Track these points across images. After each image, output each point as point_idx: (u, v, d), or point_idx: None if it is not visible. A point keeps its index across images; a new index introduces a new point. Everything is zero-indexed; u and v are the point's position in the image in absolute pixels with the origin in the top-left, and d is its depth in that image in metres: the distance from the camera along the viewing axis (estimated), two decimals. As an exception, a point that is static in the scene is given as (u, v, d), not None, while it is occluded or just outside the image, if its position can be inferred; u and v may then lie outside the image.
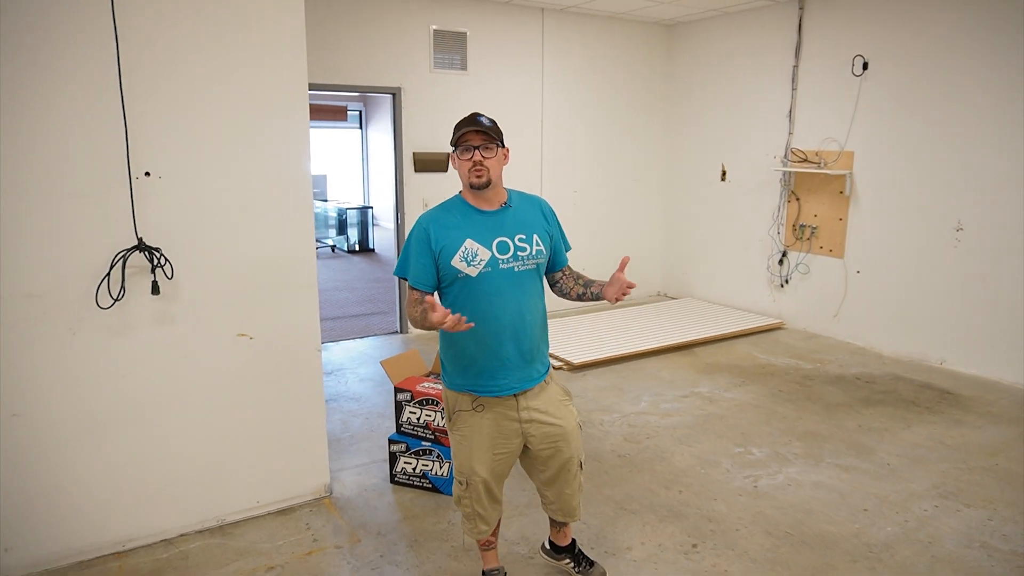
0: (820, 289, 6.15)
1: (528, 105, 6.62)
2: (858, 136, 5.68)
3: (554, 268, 2.46)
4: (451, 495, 3.32)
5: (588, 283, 2.41)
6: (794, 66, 6.10)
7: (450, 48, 6.12)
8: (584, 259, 6.95)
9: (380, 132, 12.74)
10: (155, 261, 2.71)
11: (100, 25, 2.55)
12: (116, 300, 2.69)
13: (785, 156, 6.26)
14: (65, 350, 2.67)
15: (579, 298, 2.43)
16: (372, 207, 12.24)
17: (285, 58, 2.94)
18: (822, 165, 5.93)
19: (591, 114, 7.00)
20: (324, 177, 13.56)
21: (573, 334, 6.03)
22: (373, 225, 12.05)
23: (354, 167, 14.04)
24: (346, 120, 13.11)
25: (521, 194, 2.41)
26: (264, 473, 3.19)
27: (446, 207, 2.32)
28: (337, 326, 6.59)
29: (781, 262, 6.45)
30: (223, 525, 3.10)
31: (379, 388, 4.85)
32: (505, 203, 2.32)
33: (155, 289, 2.73)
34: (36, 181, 2.54)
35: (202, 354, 2.94)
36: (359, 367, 5.35)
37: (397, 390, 3.44)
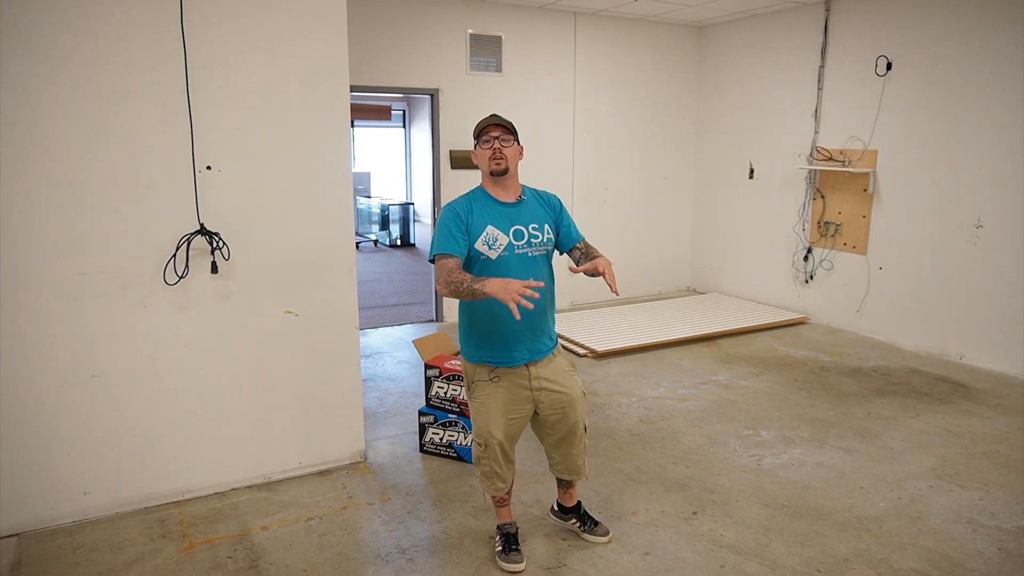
0: (843, 285, 6.28)
1: (560, 105, 6.89)
2: (881, 135, 5.80)
3: (569, 245, 2.74)
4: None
5: (587, 254, 2.69)
6: (820, 66, 6.23)
7: (486, 51, 6.43)
8: (615, 254, 7.20)
9: (422, 131, 13.14)
10: (214, 244, 3.09)
11: (170, 40, 2.93)
12: (181, 278, 3.07)
13: (811, 154, 6.40)
14: (137, 321, 3.07)
15: (576, 261, 2.70)
16: (413, 203, 12.65)
17: (328, 65, 3.29)
18: (846, 163, 6.06)
19: (622, 114, 7.23)
20: (368, 174, 14.03)
21: (599, 325, 6.29)
22: (414, 221, 12.46)
23: (397, 165, 14.49)
24: (390, 119, 13.56)
25: (534, 190, 2.74)
26: (306, 438, 3.55)
27: (469, 197, 2.62)
28: (377, 314, 6.97)
29: (806, 258, 6.59)
30: (269, 482, 3.47)
31: (414, 370, 5.19)
32: (520, 196, 2.64)
33: (214, 269, 3.10)
34: (117, 174, 2.94)
35: (253, 328, 3.31)
36: (396, 351, 5.71)
37: (427, 367, 3.76)
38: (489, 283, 2.29)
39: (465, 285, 2.35)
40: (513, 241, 2.56)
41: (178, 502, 3.28)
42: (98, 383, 3.04)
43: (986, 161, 5.13)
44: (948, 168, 5.37)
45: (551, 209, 2.73)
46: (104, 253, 2.97)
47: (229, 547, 2.94)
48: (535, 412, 2.73)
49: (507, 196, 2.62)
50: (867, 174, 5.90)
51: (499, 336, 2.59)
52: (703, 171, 7.73)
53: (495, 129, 2.56)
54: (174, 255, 3.05)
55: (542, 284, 2.32)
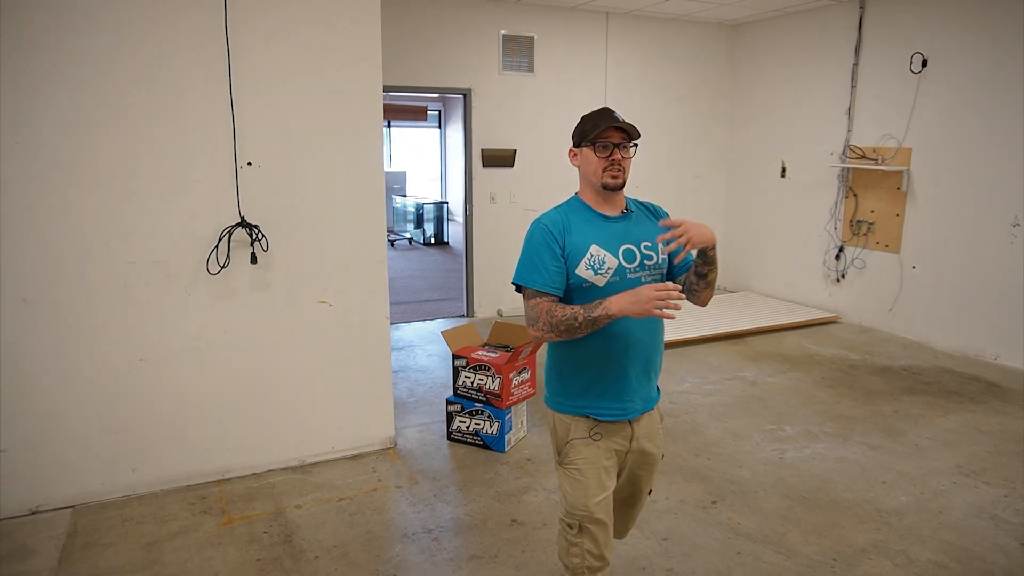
0: (876, 284, 6.23)
1: (592, 105, 6.94)
2: (916, 133, 5.75)
3: (679, 272, 2.20)
4: (500, 451, 3.76)
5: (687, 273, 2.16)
6: (854, 64, 6.20)
7: (518, 51, 6.54)
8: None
9: (457, 131, 13.31)
10: (254, 236, 3.26)
11: (216, 43, 3.11)
12: (222, 268, 3.25)
13: (843, 153, 6.36)
14: (182, 308, 3.25)
15: (692, 293, 2.12)
16: (447, 202, 12.83)
17: (362, 67, 3.44)
18: (879, 161, 6.02)
19: (653, 113, 7.27)
20: (404, 174, 14.25)
21: (628, 321, 6.34)
22: (448, 220, 12.64)
23: (433, 165, 14.70)
24: (426, 120, 13.76)
25: (637, 201, 2.21)
26: (338, 423, 3.70)
27: (564, 210, 2.10)
28: (410, 309, 7.14)
29: (838, 257, 6.55)
30: (303, 464, 3.63)
31: (444, 363, 5.33)
32: (626, 209, 2.12)
33: (253, 259, 3.27)
34: (165, 169, 3.13)
35: (289, 316, 3.48)
36: (427, 345, 5.85)
37: (455, 357, 3.89)
38: (611, 303, 1.86)
39: (581, 318, 1.88)
40: (624, 263, 2.02)
41: (218, 481, 3.45)
42: (145, 367, 3.23)
43: (1022, 159, 5.05)
44: (984, 166, 5.31)
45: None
46: (152, 243, 3.15)
47: (265, 523, 3.10)
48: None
49: (612, 209, 2.09)
50: (901, 172, 5.85)
51: (611, 381, 2.03)
52: (734, 170, 7.72)
53: (616, 134, 2.02)
54: (216, 246, 3.22)
55: (680, 289, 1.85)
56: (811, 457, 3.73)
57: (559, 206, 2.14)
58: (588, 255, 2.00)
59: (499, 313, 6.82)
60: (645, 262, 2.06)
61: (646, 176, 7.37)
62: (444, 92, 6.58)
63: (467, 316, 6.82)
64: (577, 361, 2.05)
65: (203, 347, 3.33)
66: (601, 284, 1.99)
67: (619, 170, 2.03)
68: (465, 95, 6.44)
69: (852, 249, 6.42)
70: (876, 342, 5.87)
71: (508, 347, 3.99)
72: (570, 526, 2.07)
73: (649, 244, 2.09)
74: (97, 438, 3.20)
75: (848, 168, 6.34)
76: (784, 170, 7.07)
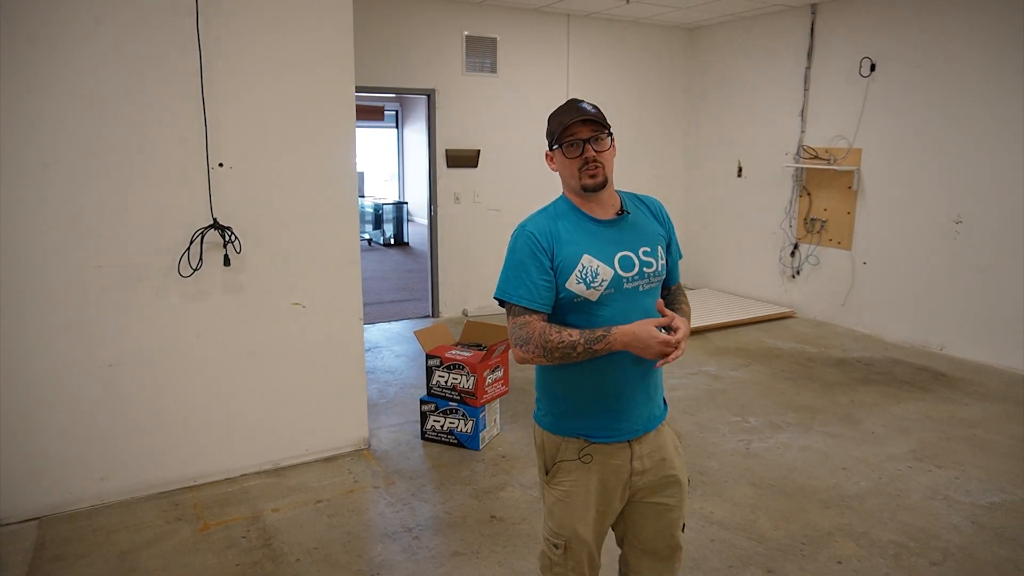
0: (829, 279, 6.47)
1: (554, 106, 6.98)
2: (865, 134, 6.00)
3: (668, 283, 1.98)
4: (475, 449, 3.80)
5: (674, 299, 1.98)
6: (806, 67, 6.42)
7: (481, 52, 6.58)
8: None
9: (415, 131, 13.28)
10: (227, 238, 3.22)
11: (187, 43, 3.07)
12: (195, 270, 3.21)
13: (797, 153, 6.58)
14: (152, 312, 3.20)
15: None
16: (407, 203, 12.77)
17: (335, 68, 3.44)
18: (832, 161, 6.25)
19: (614, 114, 7.32)
20: (361, 174, 14.15)
21: (593, 319, 6.44)
22: (408, 220, 12.59)
23: (390, 165, 14.62)
24: (383, 120, 13.68)
25: (632, 195, 1.98)
26: (312, 425, 3.68)
27: (551, 213, 1.87)
28: (374, 310, 7.11)
29: (793, 254, 6.78)
30: (277, 468, 3.60)
31: (412, 363, 5.33)
32: (621, 209, 1.88)
33: (226, 262, 3.24)
34: (132, 170, 3.07)
35: (263, 319, 3.45)
36: (394, 345, 5.84)
37: (428, 356, 3.91)
38: (617, 334, 1.68)
39: (580, 349, 1.70)
40: (620, 272, 1.79)
41: (191, 487, 3.40)
42: (114, 372, 3.17)
43: (965, 158, 5.32)
44: (929, 165, 5.57)
45: (661, 223, 1.96)
46: (121, 246, 3.09)
47: (242, 528, 3.08)
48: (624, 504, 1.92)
49: (604, 211, 1.86)
50: (851, 172, 6.09)
51: (606, 400, 1.83)
52: (693, 169, 7.90)
53: (583, 129, 1.79)
54: (188, 248, 3.18)
55: (674, 320, 1.71)
56: (775, 447, 3.87)
57: (545, 209, 1.90)
58: (580, 267, 1.77)
59: (464, 313, 6.85)
60: (644, 270, 1.83)
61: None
62: (408, 93, 6.58)
63: (432, 316, 6.83)
64: (569, 380, 1.85)
65: (174, 351, 3.27)
66: (594, 298, 1.78)
67: (596, 167, 1.80)
68: (429, 96, 6.45)
69: (806, 246, 6.65)
70: (831, 335, 6.10)
71: (481, 346, 4.03)
72: (555, 545, 1.91)
73: (648, 249, 1.85)
74: (64, 446, 3.13)
75: (802, 168, 6.56)
76: (741, 170, 7.27)
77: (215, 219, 3.20)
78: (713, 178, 7.63)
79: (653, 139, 7.71)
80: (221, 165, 3.22)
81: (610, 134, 1.85)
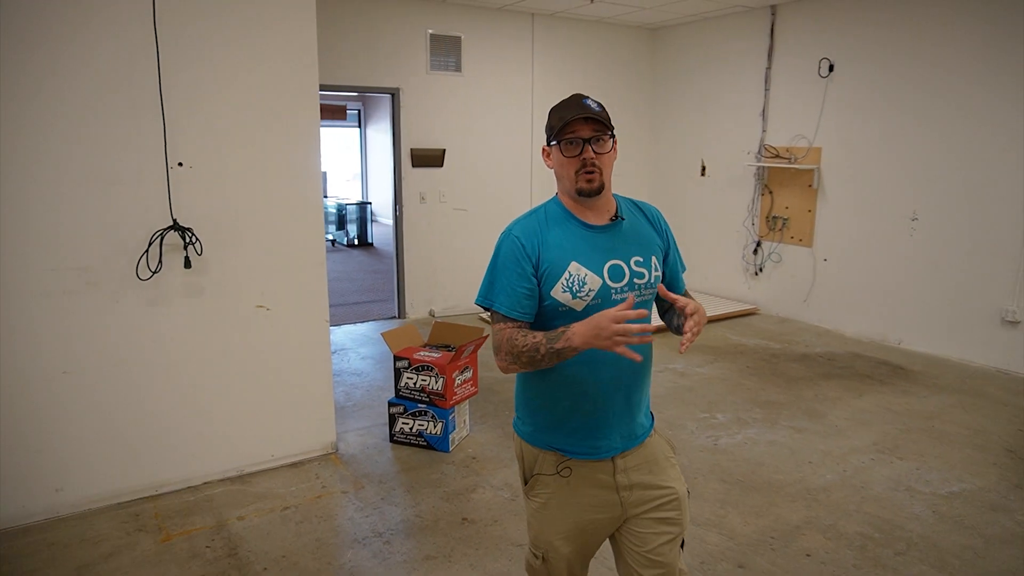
0: (791, 276, 6.58)
1: (519, 104, 7.04)
2: (825, 133, 6.12)
3: (672, 290, 1.87)
4: (445, 451, 3.76)
5: (678, 313, 1.76)
6: (767, 68, 6.53)
7: (446, 51, 6.53)
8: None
9: (378, 131, 13.15)
10: (187, 239, 3.13)
11: (144, 38, 2.97)
12: (154, 273, 3.11)
13: (759, 152, 6.69)
14: (109, 317, 3.09)
15: (677, 330, 1.79)
16: (370, 203, 12.64)
17: (299, 65, 3.36)
18: (792, 160, 6.36)
19: (578, 113, 7.39)
20: (324, 174, 13.96)
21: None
22: (372, 221, 12.46)
23: (353, 165, 14.45)
24: (346, 119, 13.52)
25: (629, 201, 1.88)
26: (278, 431, 3.60)
27: (540, 217, 1.77)
28: (339, 312, 7.01)
29: (756, 252, 6.88)
30: (242, 474, 3.52)
31: (379, 365, 5.27)
32: (616, 215, 1.78)
33: (187, 264, 3.15)
34: (88, 170, 2.96)
35: (225, 322, 3.36)
36: (360, 347, 5.77)
37: (396, 358, 3.85)
38: (574, 333, 1.56)
39: (543, 351, 1.60)
40: (609, 282, 1.71)
41: (151, 496, 3.30)
42: (69, 379, 3.05)
43: (920, 157, 5.47)
44: (886, 164, 5.70)
45: (659, 232, 1.87)
46: (76, 249, 2.98)
47: (206, 537, 2.99)
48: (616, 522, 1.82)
49: (598, 216, 1.77)
50: (812, 170, 6.21)
51: (584, 417, 1.75)
52: (657, 169, 7.97)
53: (585, 127, 1.69)
54: (147, 251, 3.08)
55: (646, 314, 1.60)
56: (743, 442, 3.92)
57: (535, 211, 1.79)
58: (567, 274, 1.68)
59: (431, 314, 6.80)
60: (635, 281, 1.73)
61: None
62: (371, 91, 6.49)
63: (399, 317, 6.76)
64: (548, 392, 1.76)
65: (133, 356, 3.17)
66: (579, 308, 1.68)
67: (593, 171, 1.69)
68: (393, 94, 6.38)
69: (769, 244, 6.76)
70: (794, 331, 6.21)
71: (450, 347, 3.99)
72: (535, 555, 1.88)
73: (641, 259, 1.76)
74: (16, 457, 3.00)
75: (764, 167, 6.67)
76: (704, 169, 7.36)
77: (175, 220, 3.11)
78: (677, 177, 7.71)
79: (618, 138, 7.73)
80: (181, 165, 3.13)
81: (613, 136, 1.75)
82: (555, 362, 1.62)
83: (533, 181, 7.23)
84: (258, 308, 3.44)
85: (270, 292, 3.46)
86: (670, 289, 1.84)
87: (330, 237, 12.22)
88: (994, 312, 5.14)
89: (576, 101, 1.72)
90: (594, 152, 1.70)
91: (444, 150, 6.61)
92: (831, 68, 5.99)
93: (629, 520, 1.80)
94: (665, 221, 1.91)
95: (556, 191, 1.83)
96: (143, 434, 3.25)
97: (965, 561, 2.83)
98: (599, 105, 1.74)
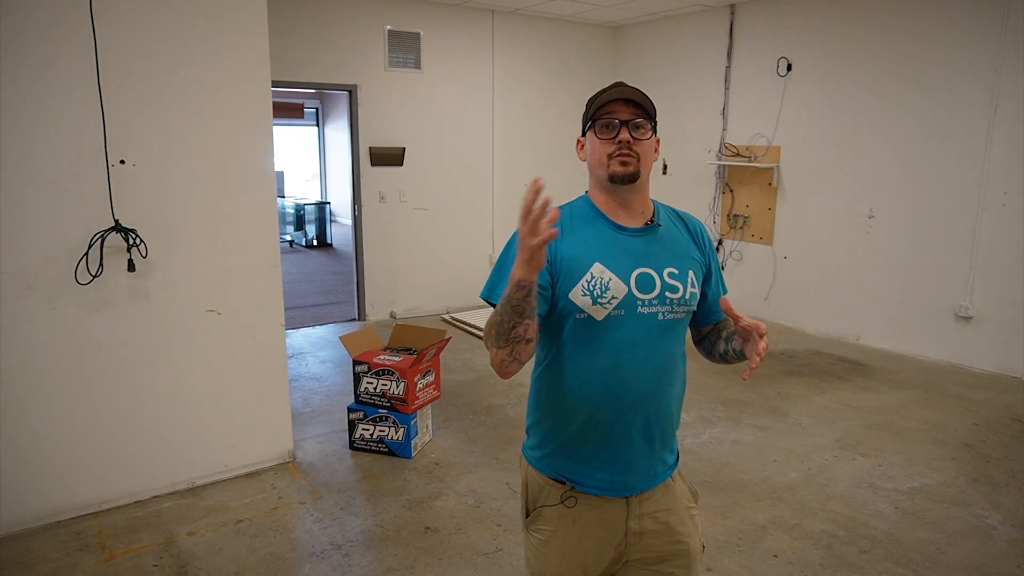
0: (752, 274, 6.63)
1: (480, 102, 6.95)
2: (784, 132, 6.17)
3: (709, 320, 1.67)
4: (407, 457, 3.66)
5: (729, 336, 1.60)
6: (727, 67, 6.56)
7: (404, 48, 6.40)
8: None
9: (337, 130, 12.91)
10: (131, 241, 2.96)
11: (79, 26, 2.79)
12: (95, 277, 2.93)
13: (720, 151, 6.72)
14: (45, 324, 2.91)
15: (722, 357, 1.64)
16: (329, 203, 12.41)
17: (250, 59, 3.22)
18: (752, 159, 6.40)
19: (540, 111, 7.35)
20: (281, 174, 13.66)
21: (523, 319, 6.38)
22: (331, 221, 12.24)
23: (311, 164, 14.18)
24: (303, 118, 13.25)
25: (670, 208, 1.68)
26: (231, 439, 3.45)
27: (566, 213, 1.59)
28: (297, 314, 6.83)
29: (717, 249, 6.92)
30: (193, 487, 3.36)
31: (338, 369, 5.13)
32: (652, 219, 1.58)
33: (131, 267, 2.98)
34: (19, 169, 2.77)
35: (174, 328, 3.20)
36: (319, 351, 5.61)
37: (355, 362, 3.73)
38: (512, 272, 1.35)
39: (499, 309, 1.41)
40: (636, 292, 1.51)
41: (94, 513, 3.12)
42: (1, 390, 2.86)
43: (876, 156, 5.55)
44: (843, 162, 5.78)
45: (700, 246, 1.64)
46: (9, 252, 2.79)
47: (154, 555, 2.84)
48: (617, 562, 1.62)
49: (630, 216, 1.58)
50: (771, 169, 6.26)
51: (599, 444, 1.54)
52: (619, 167, 7.95)
53: (624, 109, 1.51)
54: (86, 253, 2.90)
55: (541, 184, 1.27)
56: (708, 442, 3.90)
57: (559, 207, 1.54)
58: (589, 276, 1.49)
59: (393, 315, 6.67)
60: (667, 294, 1.52)
61: (533, 173, 7.45)
62: (328, 88, 6.33)
63: (359, 320, 6.61)
64: (559, 411, 1.57)
65: (73, 365, 2.99)
66: (599, 317, 1.49)
67: (630, 153, 1.50)
68: (350, 91, 6.22)
69: (730, 242, 6.80)
70: (754, 329, 6.24)
71: (411, 350, 3.89)
72: None
73: (675, 271, 1.54)
74: (-55, 476, 2.81)
75: (724, 165, 6.70)
76: (665, 167, 7.36)
77: (116, 221, 2.94)
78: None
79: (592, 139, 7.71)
80: (123, 162, 2.96)
81: (654, 127, 1.55)
82: (514, 315, 1.37)
83: (495, 180, 7.15)
84: (208, 312, 3.28)
85: (221, 296, 3.31)
86: (710, 315, 1.64)
87: (288, 238, 11.96)
88: (948, 308, 5.24)
89: (618, 85, 1.56)
90: (631, 136, 1.50)
91: (404, 148, 6.48)
92: (789, 67, 6.04)
93: (629, 564, 1.60)
94: (708, 236, 1.68)
95: (587, 189, 1.64)
96: (84, 447, 3.07)
97: (928, 557, 2.85)
98: (643, 94, 1.56)
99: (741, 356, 1.53)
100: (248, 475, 3.49)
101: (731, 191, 6.71)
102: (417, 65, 6.49)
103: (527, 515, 1.65)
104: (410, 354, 3.79)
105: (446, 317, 6.66)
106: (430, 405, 3.89)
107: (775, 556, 2.84)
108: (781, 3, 6.07)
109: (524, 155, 7.34)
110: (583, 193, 1.64)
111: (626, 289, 1.49)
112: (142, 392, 3.17)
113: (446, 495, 3.32)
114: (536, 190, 1.25)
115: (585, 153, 1.60)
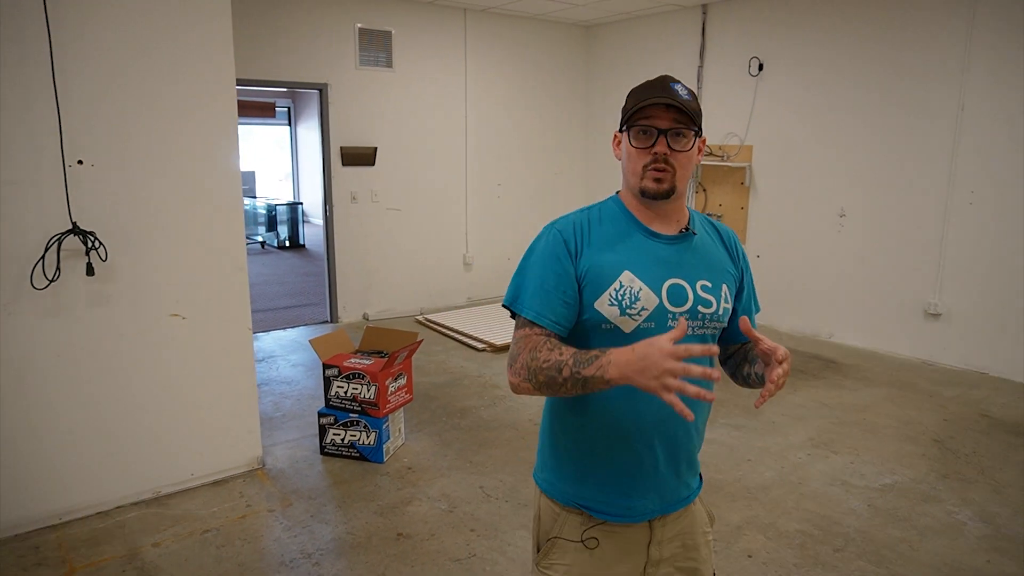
0: (725, 273, 6.65)
1: (452, 101, 6.89)
2: (756, 131, 6.20)
3: (738, 338, 1.57)
4: (379, 462, 3.60)
5: (754, 358, 1.50)
6: (699, 66, 6.58)
7: (376, 46, 6.32)
8: (509, 251, 7.29)
9: (309, 129, 12.76)
10: (89, 244, 2.87)
11: (33, 21, 2.69)
12: (52, 281, 2.83)
13: (692, 150, 6.73)
14: (0, 331, 2.80)
15: (745, 380, 1.57)
16: (302, 203, 12.26)
17: (213, 57, 3.14)
18: (725, 158, 6.43)
19: (514, 110, 7.32)
20: (253, 174, 13.45)
21: (497, 318, 6.35)
22: (303, 221, 12.09)
23: (283, 164, 14.00)
24: (275, 117, 13.08)
25: (704, 217, 1.58)
26: (198, 447, 3.36)
27: (594, 213, 1.49)
28: (268, 317, 6.71)
29: (691, 249, 6.93)
30: (159, 496, 3.26)
31: (310, 372, 5.04)
32: (687, 228, 1.48)
33: (90, 271, 2.88)
34: (-31, 168, 2.67)
35: (136, 333, 3.11)
36: (290, 354, 5.52)
37: (325, 366, 3.66)
38: (611, 362, 1.22)
39: (566, 372, 1.27)
40: (667, 305, 1.41)
41: (55, 526, 3.02)
42: (-45, 400, 2.76)
43: (847, 155, 5.60)
44: (815, 162, 5.82)
45: (734, 259, 1.55)
46: (-42, 256, 2.69)
47: (116, 568, 2.75)
48: None
49: (665, 224, 1.47)
50: (744, 168, 6.29)
51: (619, 468, 1.46)
52: (593, 166, 7.96)
53: (664, 115, 1.37)
54: (43, 257, 2.80)
55: (716, 351, 1.22)
56: (683, 442, 3.89)
57: (588, 208, 1.49)
58: (618, 284, 1.38)
59: (365, 317, 6.58)
60: (699, 308, 1.42)
61: (508, 174, 7.43)
62: (297, 87, 6.23)
63: (331, 322, 6.51)
64: (577, 434, 1.47)
65: (29, 373, 2.89)
66: (628, 329, 1.38)
67: (665, 169, 1.38)
68: (321, 90, 6.13)
69: (703, 241, 6.81)
70: (728, 328, 6.27)
71: (382, 353, 3.82)
72: None
73: (709, 284, 1.45)
74: None
75: (697, 164, 6.71)
76: (639, 167, 7.37)
77: (74, 223, 2.84)
78: (613, 176, 7.71)
79: (553, 136, 7.70)
80: (81, 163, 2.86)
81: (698, 134, 1.41)
82: (578, 392, 1.27)
83: (469, 180, 7.10)
84: (173, 317, 3.19)
85: (186, 299, 3.22)
86: (740, 334, 1.49)
87: (260, 239, 11.80)
88: (918, 305, 5.30)
89: (662, 83, 1.40)
90: (669, 147, 1.37)
91: (376, 148, 6.41)
92: (761, 67, 6.07)
93: None
94: (742, 249, 1.58)
95: (618, 190, 1.53)
96: (43, 457, 2.97)
97: (900, 554, 2.86)
98: (689, 93, 1.40)
99: (762, 380, 1.41)
100: (215, 483, 3.41)
101: (704, 190, 6.73)
102: (389, 64, 6.41)
103: (538, 549, 1.52)
104: (381, 357, 3.73)
105: (420, 318, 6.60)
106: (402, 408, 3.83)
107: (750, 556, 2.84)
108: (753, 3, 6.10)
109: (498, 154, 7.30)
110: (614, 193, 1.53)
111: (657, 300, 1.39)
112: (104, 400, 3.08)
113: (419, 500, 3.27)
114: (707, 376, 1.14)
115: (620, 153, 1.47)
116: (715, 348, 1.21)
